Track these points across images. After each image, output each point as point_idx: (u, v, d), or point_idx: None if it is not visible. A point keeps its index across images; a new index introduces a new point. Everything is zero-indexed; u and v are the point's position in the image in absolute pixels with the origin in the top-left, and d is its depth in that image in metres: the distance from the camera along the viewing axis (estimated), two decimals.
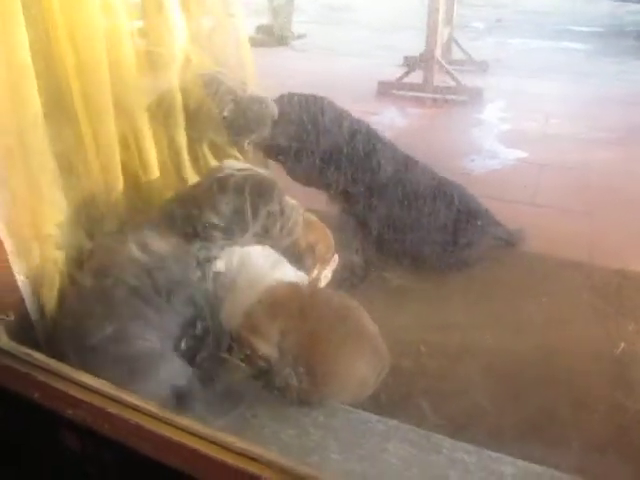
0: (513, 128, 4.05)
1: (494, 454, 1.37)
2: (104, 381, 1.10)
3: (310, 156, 2.13)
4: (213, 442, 1.04)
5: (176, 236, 1.48)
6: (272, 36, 6.47)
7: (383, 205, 2.20)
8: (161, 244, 1.45)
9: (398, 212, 2.22)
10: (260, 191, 1.54)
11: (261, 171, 1.61)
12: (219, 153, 1.99)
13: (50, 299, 1.36)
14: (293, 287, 1.59)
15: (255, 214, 1.53)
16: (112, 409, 1.04)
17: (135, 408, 1.05)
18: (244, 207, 1.50)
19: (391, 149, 2.26)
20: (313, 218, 1.95)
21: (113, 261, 1.43)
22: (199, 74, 1.90)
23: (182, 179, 1.79)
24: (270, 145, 2.15)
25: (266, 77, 2.37)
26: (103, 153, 1.41)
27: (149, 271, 1.42)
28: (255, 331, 1.49)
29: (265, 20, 6.64)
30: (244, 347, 1.49)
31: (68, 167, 1.38)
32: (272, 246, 1.67)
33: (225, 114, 1.94)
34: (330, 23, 7.69)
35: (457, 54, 5.54)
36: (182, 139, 1.78)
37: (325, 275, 1.94)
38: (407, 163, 2.26)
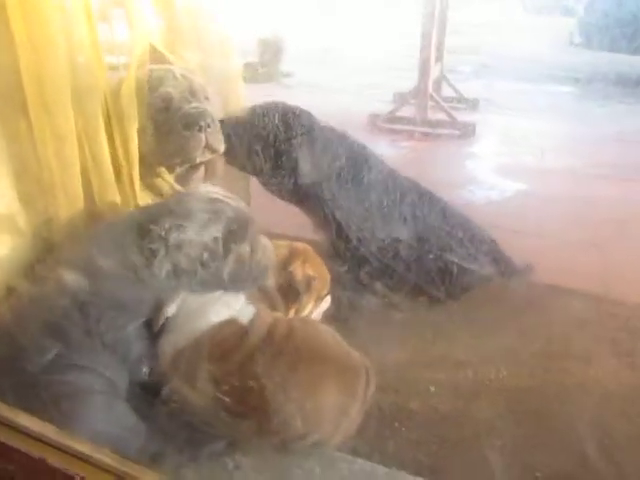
0: (510, 162, 3.94)
1: None
2: (46, 424, 0.85)
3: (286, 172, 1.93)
4: None
5: (128, 267, 1.25)
6: (258, 73, 6.43)
7: (379, 231, 2.03)
8: (104, 272, 1.22)
9: (396, 238, 2.03)
10: (233, 229, 1.33)
11: (236, 203, 1.40)
12: None
13: None
14: (234, 325, 1.36)
15: (225, 257, 1.32)
16: (53, 460, 0.80)
17: (83, 458, 0.81)
18: (215, 248, 1.29)
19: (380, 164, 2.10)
20: (310, 250, 1.76)
21: (43, 289, 1.22)
22: (150, 68, 1.62)
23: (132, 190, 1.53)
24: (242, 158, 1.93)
25: None
26: (57, 150, 1.19)
27: (81, 304, 1.19)
28: (184, 376, 1.28)
29: (253, 58, 6.62)
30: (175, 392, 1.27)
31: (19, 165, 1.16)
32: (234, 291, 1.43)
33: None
34: (317, 62, 7.69)
35: (447, 92, 5.49)
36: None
37: (316, 315, 1.73)
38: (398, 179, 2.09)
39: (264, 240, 1.44)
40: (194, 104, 1.64)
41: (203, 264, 1.28)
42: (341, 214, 2.00)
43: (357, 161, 2.06)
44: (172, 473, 1.15)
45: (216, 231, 1.30)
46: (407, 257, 2.04)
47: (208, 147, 1.65)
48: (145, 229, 1.26)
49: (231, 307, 1.39)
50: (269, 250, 1.45)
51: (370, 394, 1.36)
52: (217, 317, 1.36)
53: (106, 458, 0.81)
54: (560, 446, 1.43)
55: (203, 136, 1.62)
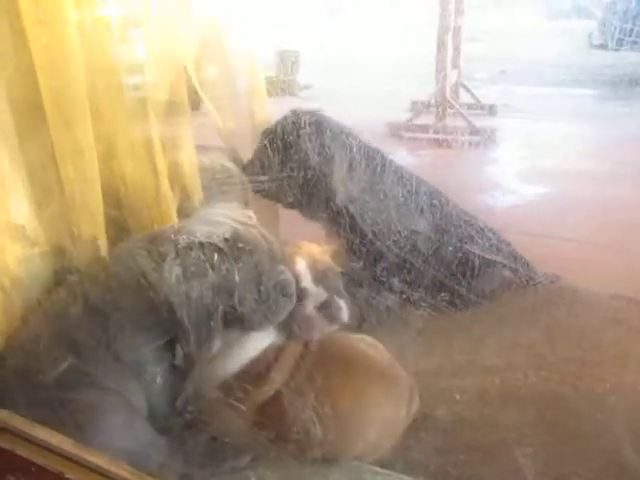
0: (531, 166, 3.87)
1: None
2: (63, 437, 0.84)
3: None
4: None
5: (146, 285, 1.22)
6: (278, 87, 6.46)
7: (395, 223, 1.94)
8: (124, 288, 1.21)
9: (416, 245, 1.97)
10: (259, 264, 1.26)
11: (266, 234, 1.34)
12: None
13: None
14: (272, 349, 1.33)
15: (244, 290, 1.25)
16: (70, 474, 0.78)
17: (102, 473, 0.79)
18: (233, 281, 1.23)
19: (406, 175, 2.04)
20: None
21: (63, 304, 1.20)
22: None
23: None
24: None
25: None
26: (77, 164, 1.19)
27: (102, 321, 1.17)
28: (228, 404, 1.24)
29: (272, 73, 6.66)
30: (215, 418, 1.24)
31: (38, 180, 1.17)
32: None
33: None
34: (335, 73, 7.71)
35: (465, 98, 5.45)
36: None
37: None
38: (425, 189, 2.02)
39: (288, 275, 1.34)
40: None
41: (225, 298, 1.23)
42: (355, 207, 1.91)
43: (368, 150, 1.98)
44: None
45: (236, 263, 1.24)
46: (425, 250, 1.94)
47: None
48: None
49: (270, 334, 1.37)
50: (290, 285, 1.34)
51: (414, 410, 1.32)
52: (261, 344, 1.33)
53: (124, 472, 0.79)
54: (595, 454, 1.37)
55: None
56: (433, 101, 4.53)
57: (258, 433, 1.22)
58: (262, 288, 1.27)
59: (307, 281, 1.37)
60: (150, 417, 1.21)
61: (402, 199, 1.99)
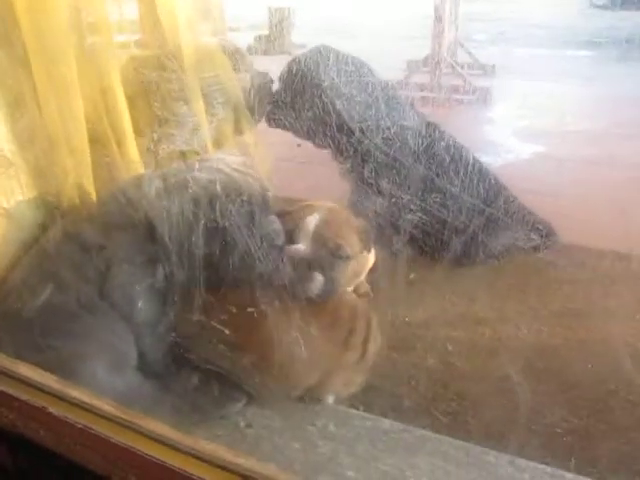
0: (527, 125, 3.84)
1: (551, 469, 1.09)
2: (45, 372, 0.83)
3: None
4: (191, 454, 0.77)
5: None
6: (270, 45, 6.33)
7: (384, 119, 1.83)
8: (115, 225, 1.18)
9: (423, 190, 1.85)
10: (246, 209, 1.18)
11: (261, 183, 1.27)
12: None
13: None
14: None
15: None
16: (53, 409, 0.77)
17: (85, 408, 0.78)
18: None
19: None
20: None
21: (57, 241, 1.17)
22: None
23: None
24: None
25: None
26: (60, 101, 1.15)
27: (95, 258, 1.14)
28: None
29: (265, 31, 6.53)
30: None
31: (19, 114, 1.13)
32: None
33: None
34: (330, 34, 7.55)
35: (462, 58, 5.36)
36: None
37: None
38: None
39: (277, 226, 1.25)
40: None
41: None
42: (341, 103, 1.82)
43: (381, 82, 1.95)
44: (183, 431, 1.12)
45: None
46: (416, 146, 1.83)
47: None
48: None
49: None
50: (280, 236, 1.24)
51: (374, 349, 1.28)
52: None
53: (108, 407, 0.78)
54: (581, 402, 1.38)
55: None
56: (429, 60, 4.44)
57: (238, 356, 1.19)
58: (248, 236, 1.19)
59: (296, 235, 1.25)
60: (140, 360, 1.19)
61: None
